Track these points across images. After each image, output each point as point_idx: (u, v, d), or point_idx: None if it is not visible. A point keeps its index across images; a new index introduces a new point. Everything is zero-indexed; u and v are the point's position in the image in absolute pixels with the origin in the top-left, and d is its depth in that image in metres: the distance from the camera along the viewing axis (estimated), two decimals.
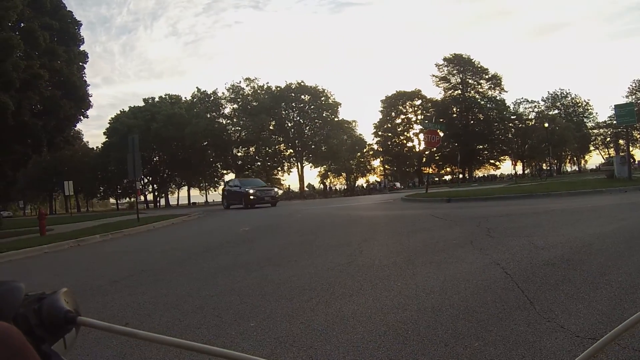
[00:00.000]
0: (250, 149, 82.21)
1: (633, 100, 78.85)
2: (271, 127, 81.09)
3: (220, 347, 0.82)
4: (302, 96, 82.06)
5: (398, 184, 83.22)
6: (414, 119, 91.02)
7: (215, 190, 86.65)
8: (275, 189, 37.87)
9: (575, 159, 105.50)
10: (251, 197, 31.66)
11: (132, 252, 11.49)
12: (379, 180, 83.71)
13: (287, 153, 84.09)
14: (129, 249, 12.34)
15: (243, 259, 8.53)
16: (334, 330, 3.89)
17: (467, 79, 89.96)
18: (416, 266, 6.24)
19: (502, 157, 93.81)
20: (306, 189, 69.87)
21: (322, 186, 58.84)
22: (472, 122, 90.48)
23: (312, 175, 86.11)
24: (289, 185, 73.94)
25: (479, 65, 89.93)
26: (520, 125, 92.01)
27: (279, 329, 4.04)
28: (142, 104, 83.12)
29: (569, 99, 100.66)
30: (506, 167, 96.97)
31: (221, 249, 10.80)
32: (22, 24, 28.72)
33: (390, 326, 3.84)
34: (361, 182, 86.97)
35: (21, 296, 1.19)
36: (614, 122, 70.28)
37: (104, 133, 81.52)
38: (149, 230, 18.77)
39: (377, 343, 3.50)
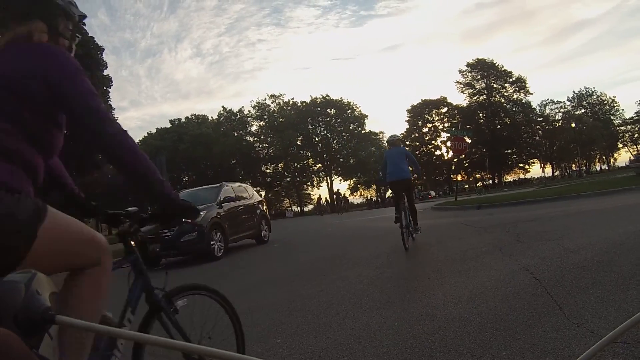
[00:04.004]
0: (279, 165, 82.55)
1: None
2: (299, 143, 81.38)
3: None
4: (328, 110, 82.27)
5: (432, 193, 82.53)
6: (440, 127, 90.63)
7: None
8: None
9: (604, 157, 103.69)
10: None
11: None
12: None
13: (316, 167, 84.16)
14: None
15: (272, 275, 8.57)
16: (360, 344, 3.87)
17: (492, 84, 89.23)
18: (444, 276, 6.18)
19: (530, 161, 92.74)
20: (323, 202, 68.26)
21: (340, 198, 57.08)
22: (498, 126, 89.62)
23: (342, 188, 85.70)
24: (324, 198, 73.06)
25: (502, 69, 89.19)
26: (547, 127, 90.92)
27: (304, 345, 4.03)
28: (169, 125, 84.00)
29: (595, 97, 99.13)
30: (535, 170, 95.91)
31: (250, 266, 10.85)
32: None
33: (417, 338, 3.79)
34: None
35: (21, 296, 1.21)
36: None
37: None
38: None
39: (403, 356, 3.47)
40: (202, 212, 12.18)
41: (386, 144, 12.61)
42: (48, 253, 1.78)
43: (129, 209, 2.51)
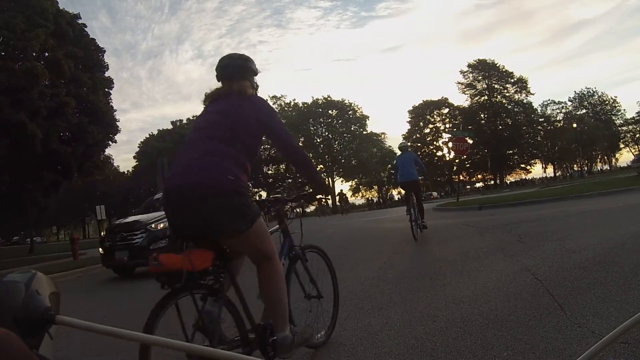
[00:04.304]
0: (281, 167, 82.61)
1: None
2: (300, 144, 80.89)
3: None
4: (330, 111, 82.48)
5: (435, 194, 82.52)
6: (442, 127, 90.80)
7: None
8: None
9: (606, 157, 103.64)
10: None
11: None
12: None
13: (318, 169, 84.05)
14: None
15: None
16: (362, 345, 3.86)
17: (493, 84, 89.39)
18: (446, 276, 6.18)
19: (532, 161, 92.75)
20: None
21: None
22: (500, 127, 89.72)
23: (344, 188, 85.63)
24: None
25: (503, 70, 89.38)
26: (548, 128, 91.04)
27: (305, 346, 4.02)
28: (170, 126, 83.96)
29: (596, 97, 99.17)
30: (537, 170, 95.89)
31: (251, 266, 10.84)
32: (47, 54, 29.32)
33: (418, 338, 3.79)
34: (395, 193, 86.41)
35: (21, 296, 1.21)
36: None
37: (134, 157, 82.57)
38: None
39: (405, 356, 3.47)
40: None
41: (398, 150, 13.79)
42: (247, 241, 2.99)
43: (276, 195, 4.15)
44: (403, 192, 13.46)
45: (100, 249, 12.20)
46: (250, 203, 2.94)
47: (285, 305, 3.19)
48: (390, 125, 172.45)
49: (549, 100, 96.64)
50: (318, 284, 4.03)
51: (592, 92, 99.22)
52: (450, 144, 34.94)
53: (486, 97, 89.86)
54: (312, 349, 3.83)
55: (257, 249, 3.07)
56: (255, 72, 3.57)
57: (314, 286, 3.99)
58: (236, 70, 3.41)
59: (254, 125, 3.18)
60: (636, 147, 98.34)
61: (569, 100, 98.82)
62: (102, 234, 15.66)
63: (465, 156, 38.37)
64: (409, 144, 16.19)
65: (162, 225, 11.16)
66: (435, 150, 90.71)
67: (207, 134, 3.06)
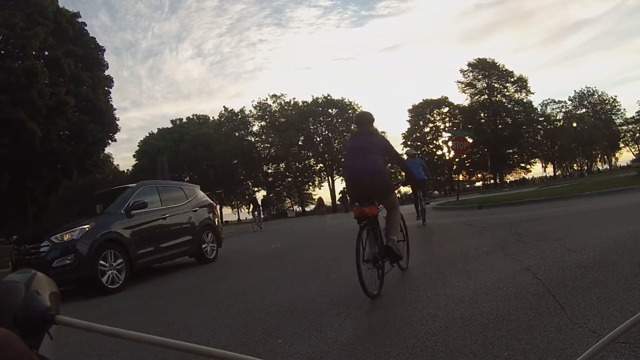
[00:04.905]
0: (281, 165, 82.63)
1: None
2: (300, 143, 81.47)
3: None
4: (330, 110, 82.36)
5: (436, 192, 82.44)
6: (442, 126, 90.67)
7: (247, 208, 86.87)
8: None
9: (605, 157, 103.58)
10: None
11: (161, 274, 11.56)
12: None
13: (318, 167, 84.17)
14: (158, 270, 12.41)
15: (273, 275, 8.55)
16: (362, 344, 3.86)
17: (493, 83, 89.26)
18: (446, 276, 6.17)
19: (532, 160, 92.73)
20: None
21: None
22: (500, 126, 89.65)
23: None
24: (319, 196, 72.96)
25: (503, 69, 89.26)
26: (548, 127, 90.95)
27: (306, 345, 4.02)
28: (170, 125, 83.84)
29: (596, 96, 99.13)
30: (537, 170, 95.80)
31: (251, 266, 10.85)
32: (46, 52, 29.34)
33: (418, 338, 3.79)
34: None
35: (21, 296, 1.21)
36: None
37: (134, 156, 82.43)
38: None
39: (405, 356, 3.46)
40: (85, 226, 9.34)
41: (406, 156, 16.63)
42: (389, 199, 6.27)
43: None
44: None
45: (10, 263, 10.43)
46: (390, 181, 6.58)
47: (397, 227, 6.36)
48: (390, 124, 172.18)
49: (549, 99, 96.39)
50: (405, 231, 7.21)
51: (592, 91, 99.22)
52: (450, 143, 34.89)
53: (486, 96, 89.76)
54: (401, 271, 6.81)
55: (392, 203, 6.32)
56: (374, 121, 6.79)
57: (404, 234, 7.07)
58: (368, 120, 6.69)
59: (382, 147, 6.32)
60: (636, 146, 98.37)
61: (569, 100, 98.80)
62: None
63: (465, 155, 38.36)
64: (418, 152, 21.11)
65: (68, 236, 9.18)
66: (435, 150, 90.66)
67: (367, 151, 6.15)
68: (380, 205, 6.16)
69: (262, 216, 29.17)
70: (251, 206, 29.21)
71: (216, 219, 13.96)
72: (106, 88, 34.64)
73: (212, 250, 12.86)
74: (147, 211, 10.83)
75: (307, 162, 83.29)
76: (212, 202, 14.16)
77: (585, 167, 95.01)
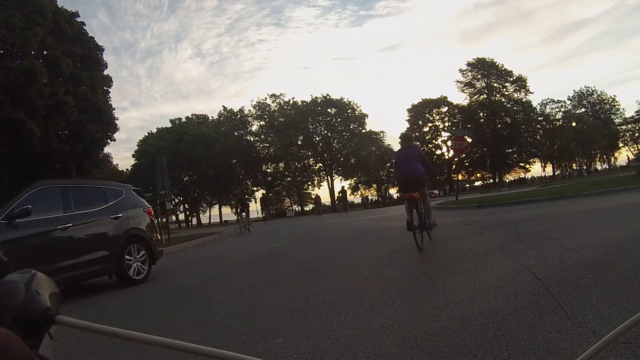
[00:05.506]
0: (280, 165, 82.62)
1: None
2: (299, 142, 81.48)
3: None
4: (329, 109, 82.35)
5: (436, 192, 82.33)
6: (441, 126, 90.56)
7: (233, 210, 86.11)
8: None
9: (604, 156, 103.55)
10: None
11: (161, 273, 11.55)
12: None
13: (317, 167, 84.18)
14: (157, 270, 12.40)
15: (272, 275, 8.53)
16: (361, 344, 3.85)
17: (492, 83, 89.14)
18: (446, 275, 6.16)
19: (531, 160, 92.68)
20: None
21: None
22: (499, 126, 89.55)
23: (345, 185, 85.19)
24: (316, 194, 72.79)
25: (503, 68, 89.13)
26: (547, 127, 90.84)
27: (305, 345, 4.02)
28: (169, 125, 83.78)
29: (595, 96, 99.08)
30: (536, 169, 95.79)
31: (250, 266, 10.83)
32: (45, 52, 29.33)
33: (418, 338, 3.78)
34: (394, 192, 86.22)
35: (21, 296, 1.20)
36: None
37: (133, 155, 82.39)
38: (179, 249, 18.93)
39: (405, 356, 3.46)
40: None
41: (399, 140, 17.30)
42: (424, 191, 9.67)
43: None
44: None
45: None
46: (425, 179, 9.73)
47: (431, 212, 9.81)
48: (389, 124, 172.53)
49: (548, 99, 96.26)
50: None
51: (591, 91, 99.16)
52: (449, 143, 34.89)
53: (485, 96, 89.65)
54: (429, 238, 9.90)
55: (425, 192, 9.54)
56: (413, 138, 10.32)
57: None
58: (409, 138, 10.44)
59: (419, 156, 9.65)
60: (635, 146, 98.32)
61: (568, 99, 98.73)
62: None
63: (464, 155, 38.36)
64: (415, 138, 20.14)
65: None
66: (434, 149, 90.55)
67: (412, 159, 9.48)
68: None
69: (250, 218, 27.37)
70: (238, 207, 26.84)
71: (154, 231, 11.32)
72: (105, 88, 34.59)
73: (140, 270, 10.16)
74: (39, 220, 8.49)
75: (306, 161, 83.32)
76: (148, 205, 11.41)
77: (585, 167, 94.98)
